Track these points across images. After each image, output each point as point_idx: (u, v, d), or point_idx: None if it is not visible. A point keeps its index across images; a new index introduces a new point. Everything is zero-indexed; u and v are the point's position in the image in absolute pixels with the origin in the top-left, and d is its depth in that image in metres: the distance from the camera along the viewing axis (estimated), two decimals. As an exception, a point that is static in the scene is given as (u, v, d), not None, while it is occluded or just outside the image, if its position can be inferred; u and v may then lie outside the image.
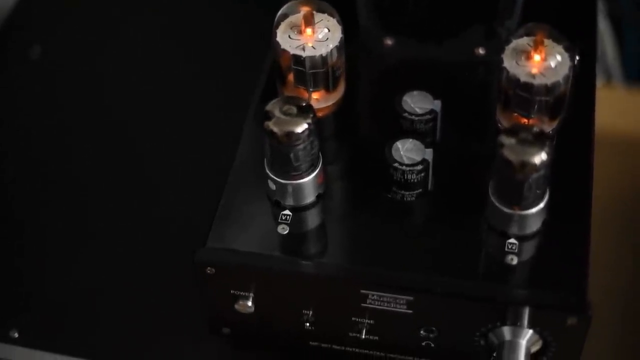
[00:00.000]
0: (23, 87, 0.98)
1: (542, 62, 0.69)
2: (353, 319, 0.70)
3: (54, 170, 0.90)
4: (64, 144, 0.92)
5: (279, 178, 0.69)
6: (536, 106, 0.70)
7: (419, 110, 0.73)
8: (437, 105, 0.73)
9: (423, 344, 0.71)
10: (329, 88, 0.73)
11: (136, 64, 0.99)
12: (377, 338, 0.71)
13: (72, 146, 0.92)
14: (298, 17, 0.72)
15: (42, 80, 0.98)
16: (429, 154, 0.70)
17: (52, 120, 0.94)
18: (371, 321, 0.70)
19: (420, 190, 0.71)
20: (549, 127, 0.71)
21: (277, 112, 0.67)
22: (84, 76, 0.98)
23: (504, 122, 0.72)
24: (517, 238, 0.68)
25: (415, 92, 0.74)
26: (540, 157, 0.64)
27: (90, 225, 0.86)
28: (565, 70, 0.69)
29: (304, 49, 0.71)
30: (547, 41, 0.70)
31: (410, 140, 0.71)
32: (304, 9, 0.72)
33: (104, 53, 1.00)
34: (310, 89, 0.72)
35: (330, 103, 0.74)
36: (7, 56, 1.01)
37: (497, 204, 0.68)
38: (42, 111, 0.95)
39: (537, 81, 0.69)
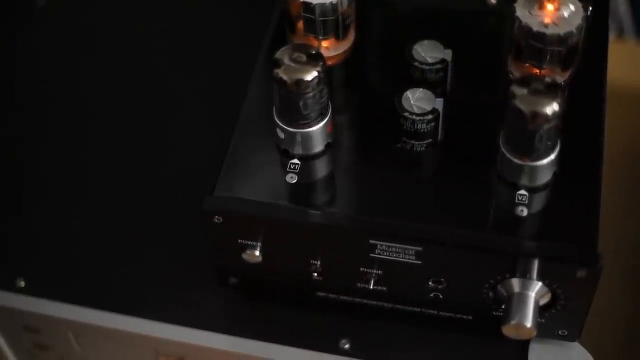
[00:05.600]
0: (29, 37, 0.97)
1: (556, 12, 0.69)
2: (361, 269, 0.70)
3: (60, 120, 0.89)
4: (72, 94, 0.91)
5: (288, 127, 0.69)
6: (549, 57, 0.69)
7: (429, 60, 0.72)
8: (448, 54, 0.72)
9: (432, 295, 0.71)
10: (339, 36, 0.73)
11: (146, 9, 0.98)
12: (385, 289, 0.71)
13: (80, 95, 0.91)
14: (309, -36, 0.71)
15: (49, 29, 0.97)
16: (439, 103, 0.70)
17: (59, 71, 0.93)
18: (380, 272, 0.70)
19: (431, 140, 0.71)
20: (561, 79, 0.70)
21: (286, 60, 0.66)
22: (93, 24, 0.97)
23: (515, 73, 0.71)
24: (527, 190, 0.68)
25: (426, 42, 0.73)
26: (552, 108, 0.63)
27: (97, 174, 0.85)
28: (578, 20, 0.68)
29: (314, -4, 0.70)
30: (560, -10, 0.69)
31: (421, 89, 0.71)
32: (315, -45, 0.71)
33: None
34: (320, 37, 0.72)
35: (340, 52, 0.74)
36: (12, 4, 0.99)
37: (508, 155, 0.67)
38: (50, 61, 0.94)
39: (550, 31, 0.68)
